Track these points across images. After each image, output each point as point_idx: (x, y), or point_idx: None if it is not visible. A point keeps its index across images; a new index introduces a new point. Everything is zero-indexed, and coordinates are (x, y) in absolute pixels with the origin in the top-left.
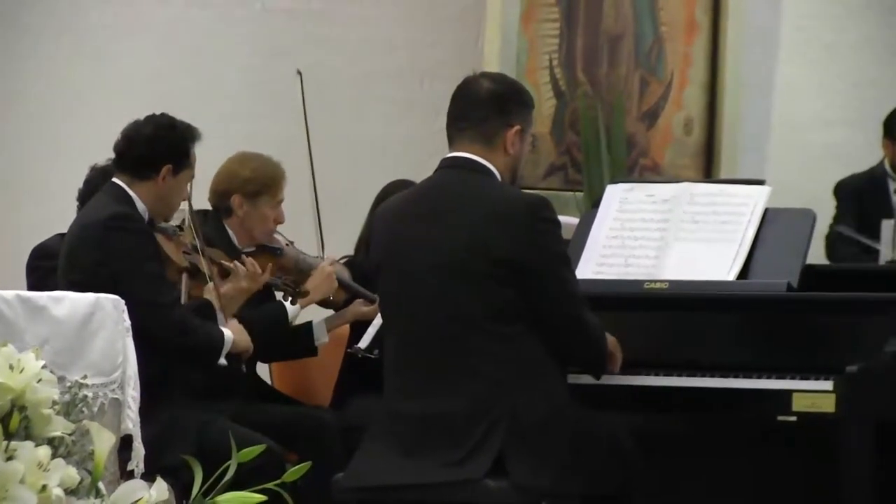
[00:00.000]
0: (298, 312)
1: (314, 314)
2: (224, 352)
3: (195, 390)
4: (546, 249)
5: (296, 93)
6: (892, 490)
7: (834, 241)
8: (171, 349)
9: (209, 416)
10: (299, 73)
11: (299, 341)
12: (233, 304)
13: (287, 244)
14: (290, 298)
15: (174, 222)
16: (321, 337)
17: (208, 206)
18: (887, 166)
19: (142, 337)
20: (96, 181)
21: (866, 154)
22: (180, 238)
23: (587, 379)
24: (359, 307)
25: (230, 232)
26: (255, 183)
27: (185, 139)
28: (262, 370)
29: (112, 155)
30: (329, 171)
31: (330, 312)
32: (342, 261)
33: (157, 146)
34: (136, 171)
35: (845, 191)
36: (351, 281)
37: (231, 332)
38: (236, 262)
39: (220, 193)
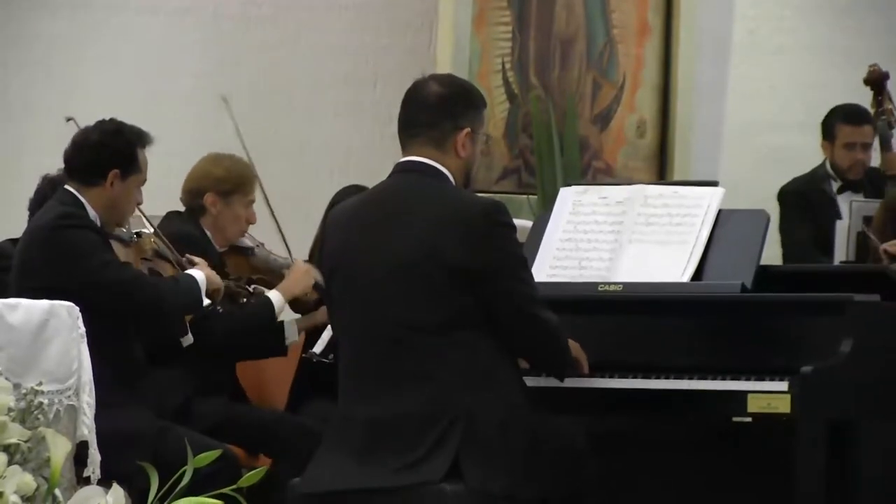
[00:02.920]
0: (283, 306)
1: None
2: (203, 291)
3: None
4: (503, 253)
5: (225, 119)
6: (846, 490)
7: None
8: (157, 318)
9: (167, 422)
10: (225, 100)
11: (270, 339)
12: None
13: (257, 245)
14: (245, 298)
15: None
16: (292, 336)
17: (173, 209)
18: (828, 168)
19: (124, 321)
20: (46, 191)
21: (817, 156)
22: (139, 244)
23: (541, 381)
24: None
25: (208, 233)
26: (228, 182)
27: (131, 144)
28: None
29: (60, 164)
30: (281, 176)
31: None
32: None
33: (104, 152)
34: (83, 178)
35: (791, 195)
36: (322, 281)
37: (202, 273)
38: (196, 257)
39: (193, 192)
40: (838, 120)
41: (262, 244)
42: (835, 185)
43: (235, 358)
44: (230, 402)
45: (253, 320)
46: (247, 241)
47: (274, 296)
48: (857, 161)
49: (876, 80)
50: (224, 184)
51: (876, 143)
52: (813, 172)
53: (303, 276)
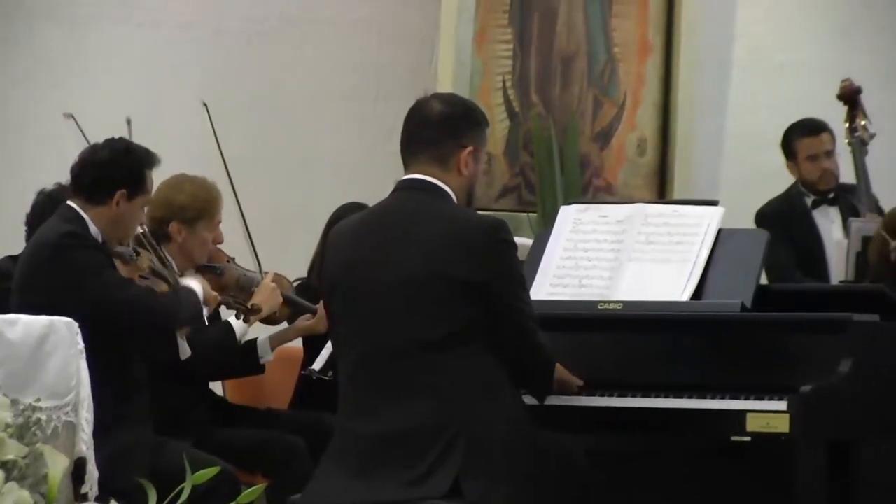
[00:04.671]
0: (246, 330)
1: (257, 331)
2: (202, 301)
3: (156, 421)
4: (503, 271)
5: (204, 121)
6: None
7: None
8: (165, 333)
9: (165, 438)
10: (205, 104)
11: (244, 359)
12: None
13: (228, 261)
14: (242, 317)
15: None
16: (265, 355)
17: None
18: (801, 186)
19: (124, 337)
20: (44, 206)
21: None
22: (138, 262)
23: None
24: (303, 322)
25: (169, 257)
26: (192, 209)
27: (140, 164)
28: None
29: (61, 179)
30: (282, 190)
31: (272, 329)
32: (295, 283)
33: (112, 171)
34: (89, 195)
35: (768, 216)
36: (293, 295)
37: (197, 285)
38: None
39: (158, 220)
40: (795, 136)
41: (233, 259)
42: (809, 202)
43: (210, 378)
44: (218, 419)
45: (212, 345)
46: (215, 260)
47: (235, 322)
48: (824, 171)
49: (849, 96)
50: (188, 211)
51: (849, 162)
52: (787, 193)
53: (269, 297)
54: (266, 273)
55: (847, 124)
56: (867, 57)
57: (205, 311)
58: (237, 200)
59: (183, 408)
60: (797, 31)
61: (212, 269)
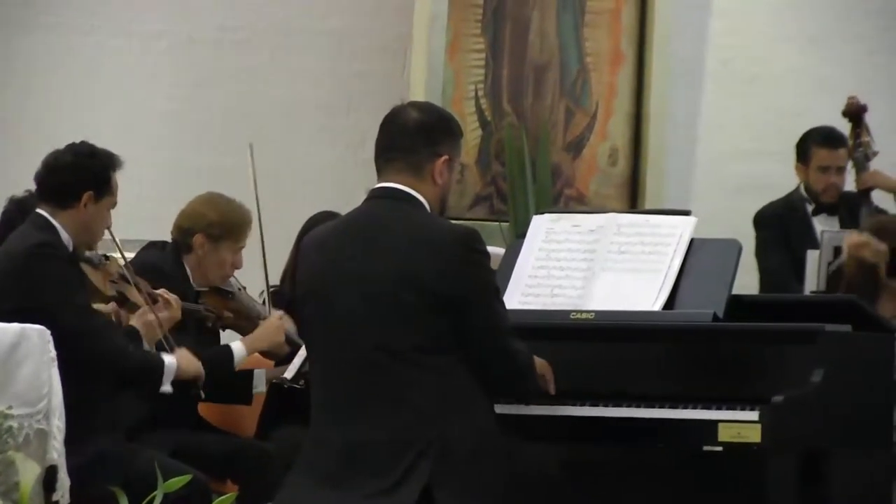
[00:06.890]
0: (245, 357)
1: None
2: (166, 379)
3: (133, 423)
4: (476, 280)
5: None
6: None
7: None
8: (104, 377)
9: (137, 446)
10: (251, 146)
11: (238, 387)
12: (153, 332)
13: (239, 289)
14: (211, 323)
15: (99, 251)
16: (259, 385)
17: (154, 237)
18: (803, 191)
19: (74, 367)
20: (13, 213)
21: (790, 185)
22: (106, 267)
23: (513, 409)
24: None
25: (187, 269)
26: (219, 227)
27: (105, 166)
28: None
29: (31, 186)
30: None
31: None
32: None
33: (78, 174)
34: (57, 200)
35: (768, 218)
36: (297, 336)
37: (174, 359)
38: (164, 290)
39: (184, 231)
40: (813, 143)
41: (245, 288)
42: (809, 208)
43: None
44: (192, 430)
45: (209, 366)
46: (229, 285)
47: (236, 346)
48: (830, 184)
49: (854, 113)
50: (215, 228)
51: (849, 166)
52: (788, 197)
53: (273, 332)
54: (272, 312)
55: (851, 141)
56: (839, 69)
57: (167, 387)
58: (260, 226)
59: (167, 417)
60: (769, 43)
61: (224, 293)
